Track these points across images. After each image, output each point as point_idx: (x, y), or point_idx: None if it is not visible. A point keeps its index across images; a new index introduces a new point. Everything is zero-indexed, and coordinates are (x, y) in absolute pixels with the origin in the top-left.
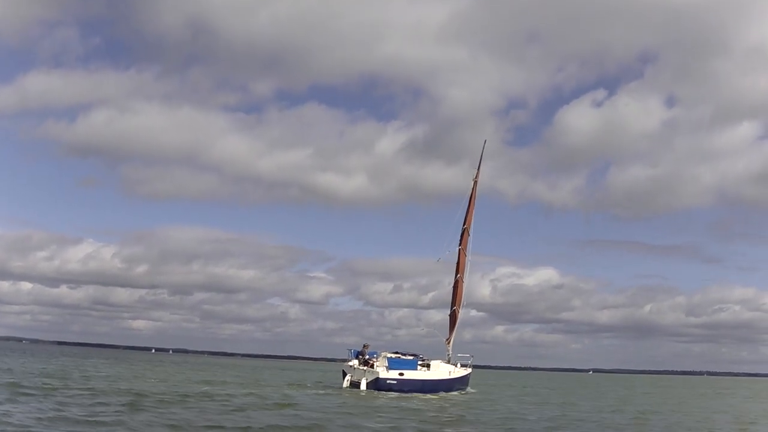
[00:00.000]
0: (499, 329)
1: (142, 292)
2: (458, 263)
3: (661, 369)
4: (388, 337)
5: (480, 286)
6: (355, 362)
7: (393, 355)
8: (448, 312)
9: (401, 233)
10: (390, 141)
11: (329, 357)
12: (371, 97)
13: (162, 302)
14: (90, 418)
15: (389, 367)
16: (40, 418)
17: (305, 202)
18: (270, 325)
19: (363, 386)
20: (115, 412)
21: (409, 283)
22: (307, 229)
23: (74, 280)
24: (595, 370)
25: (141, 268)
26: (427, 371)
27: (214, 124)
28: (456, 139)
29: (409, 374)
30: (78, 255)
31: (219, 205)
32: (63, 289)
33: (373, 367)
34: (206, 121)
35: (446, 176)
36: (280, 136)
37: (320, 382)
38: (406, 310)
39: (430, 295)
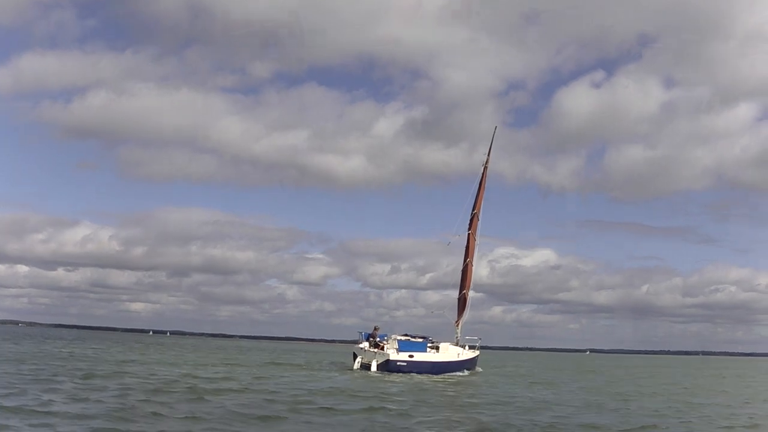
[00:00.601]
0: (497, 310)
1: (140, 274)
2: (468, 247)
3: (658, 349)
4: (386, 318)
5: (478, 267)
6: (365, 344)
7: (403, 338)
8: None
9: (399, 214)
10: (389, 122)
11: (328, 338)
12: (370, 78)
13: (160, 284)
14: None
15: (399, 350)
16: None
17: (303, 184)
18: (268, 307)
19: (374, 368)
20: (65, 399)
21: (407, 264)
22: (305, 210)
23: (71, 262)
24: (592, 351)
25: (139, 251)
26: (437, 353)
27: (212, 106)
28: (455, 120)
29: (419, 356)
30: (75, 237)
31: (217, 187)
32: (60, 272)
33: (383, 350)
34: (204, 102)
35: (445, 158)
36: (278, 117)
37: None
38: (403, 291)
39: (428, 276)
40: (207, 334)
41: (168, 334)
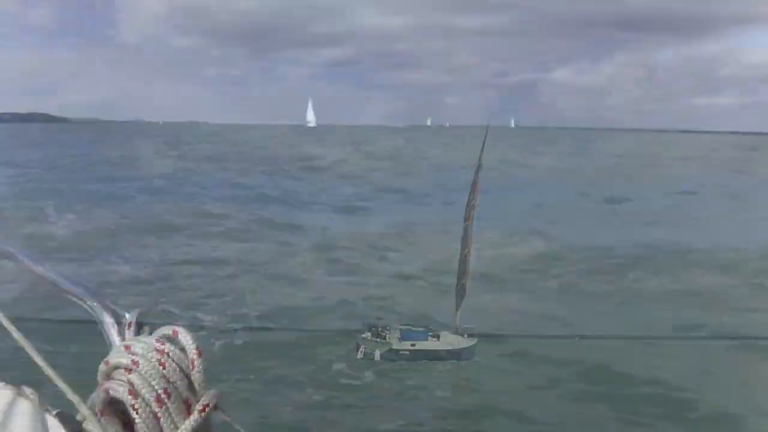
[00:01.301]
0: (486, 297)
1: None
2: (466, 238)
3: (645, 334)
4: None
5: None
6: (368, 334)
7: (405, 327)
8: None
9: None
10: (373, 111)
11: (319, 329)
12: (355, 69)
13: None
14: None
15: (401, 339)
16: None
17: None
18: None
19: (377, 357)
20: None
21: (396, 254)
22: None
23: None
24: (580, 337)
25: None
26: (437, 342)
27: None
28: (441, 110)
29: (421, 345)
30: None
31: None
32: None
33: (386, 339)
34: (192, 91)
35: (437, 150)
36: (261, 106)
37: None
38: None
39: (418, 264)
40: None
41: None
